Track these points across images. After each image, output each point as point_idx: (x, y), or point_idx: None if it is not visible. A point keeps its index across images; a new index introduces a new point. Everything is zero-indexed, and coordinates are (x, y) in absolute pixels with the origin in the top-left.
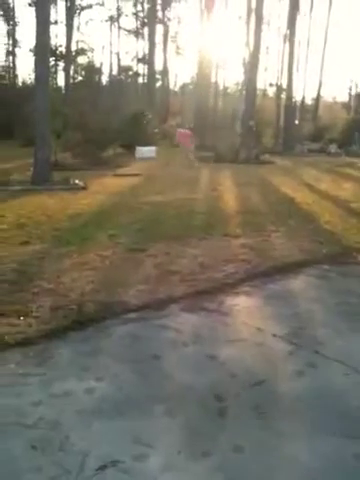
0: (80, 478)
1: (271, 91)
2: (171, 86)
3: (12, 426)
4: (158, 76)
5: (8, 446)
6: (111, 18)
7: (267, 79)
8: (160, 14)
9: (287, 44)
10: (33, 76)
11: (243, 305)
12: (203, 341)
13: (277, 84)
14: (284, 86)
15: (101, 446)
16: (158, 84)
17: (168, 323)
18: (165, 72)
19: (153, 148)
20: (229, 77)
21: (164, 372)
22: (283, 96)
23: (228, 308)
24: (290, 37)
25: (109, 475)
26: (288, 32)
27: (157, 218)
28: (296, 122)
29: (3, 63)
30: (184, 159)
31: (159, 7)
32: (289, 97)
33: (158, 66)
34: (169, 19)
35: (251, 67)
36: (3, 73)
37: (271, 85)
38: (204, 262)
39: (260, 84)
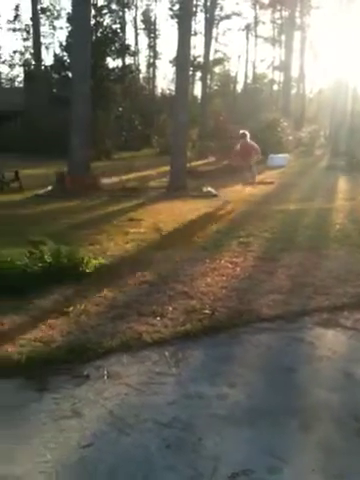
0: None
1: None
2: (307, 92)
3: (149, 423)
4: (294, 83)
5: (145, 442)
6: (248, 27)
7: None
8: (298, 20)
9: None
10: (171, 86)
11: None
12: (339, 358)
13: None
14: None
15: (233, 453)
16: (294, 91)
17: (302, 336)
18: (301, 78)
19: (286, 156)
20: None
21: (298, 386)
22: None
23: None
24: None
25: None
26: None
27: (290, 227)
28: None
29: (145, 74)
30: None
31: (297, 14)
32: None
33: (294, 73)
34: (308, 25)
35: None
36: (144, 84)
37: None
38: (340, 275)
39: None
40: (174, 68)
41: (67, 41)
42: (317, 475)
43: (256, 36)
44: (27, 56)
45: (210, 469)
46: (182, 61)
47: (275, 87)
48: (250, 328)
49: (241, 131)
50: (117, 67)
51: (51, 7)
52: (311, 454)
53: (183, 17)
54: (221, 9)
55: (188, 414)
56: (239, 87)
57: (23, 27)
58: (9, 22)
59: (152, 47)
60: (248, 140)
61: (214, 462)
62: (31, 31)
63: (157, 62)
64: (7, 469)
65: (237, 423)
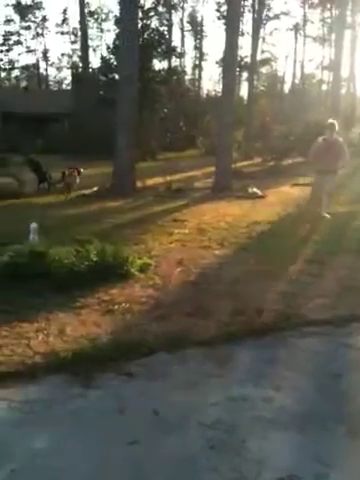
0: None
1: None
2: (358, 92)
3: (193, 423)
4: (343, 83)
5: (189, 442)
6: (296, 26)
7: None
8: (349, 19)
9: None
10: (217, 87)
11: None
12: None
13: None
14: None
15: (278, 458)
16: (343, 90)
17: (351, 342)
18: (351, 78)
19: None
20: None
21: (346, 391)
22: None
23: None
24: None
25: None
26: None
27: (339, 230)
28: None
29: (190, 76)
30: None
31: (348, 12)
32: None
33: (344, 72)
34: (359, 24)
35: None
36: (189, 86)
37: None
38: None
39: None
40: (220, 69)
41: (114, 44)
42: None
43: (305, 36)
44: (75, 59)
45: (254, 472)
46: (229, 62)
47: (324, 87)
48: (297, 332)
49: (329, 120)
50: (163, 69)
51: (99, 10)
52: (359, 461)
53: (231, 18)
54: (269, 9)
55: (232, 416)
56: (286, 87)
57: (71, 30)
58: (57, 25)
59: (198, 48)
60: (335, 136)
61: (258, 466)
62: (79, 34)
63: (203, 63)
64: (54, 462)
65: (282, 427)
